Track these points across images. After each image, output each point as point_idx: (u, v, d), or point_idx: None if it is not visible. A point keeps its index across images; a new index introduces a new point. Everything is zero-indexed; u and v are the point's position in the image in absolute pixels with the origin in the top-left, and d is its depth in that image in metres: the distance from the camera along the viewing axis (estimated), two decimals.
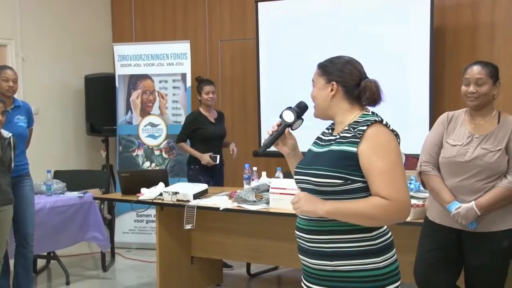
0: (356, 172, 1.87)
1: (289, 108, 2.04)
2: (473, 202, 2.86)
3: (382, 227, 1.95)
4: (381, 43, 4.79)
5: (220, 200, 4.17)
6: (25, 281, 4.38)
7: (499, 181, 2.86)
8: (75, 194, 4.88)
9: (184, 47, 5.94)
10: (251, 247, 4.31)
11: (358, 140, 1.87)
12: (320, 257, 1.91)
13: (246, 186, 4.26)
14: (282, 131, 2.05)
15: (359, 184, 1.88)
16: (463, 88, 2.94)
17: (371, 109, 2.04)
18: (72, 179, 5.23)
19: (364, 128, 1.88)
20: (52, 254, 5.05)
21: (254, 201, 3.93)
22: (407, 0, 5.09)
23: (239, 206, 3.95)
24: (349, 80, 1.97)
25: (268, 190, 3.92)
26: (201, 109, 5.17)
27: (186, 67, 5.93)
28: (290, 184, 3.82)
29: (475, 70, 2.91)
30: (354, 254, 1.89)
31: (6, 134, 4.08)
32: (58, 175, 5.15)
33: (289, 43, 5.57)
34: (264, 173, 4.29)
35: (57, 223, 4.75)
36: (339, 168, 1.87)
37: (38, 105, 5.19)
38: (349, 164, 1.87)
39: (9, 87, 4.22)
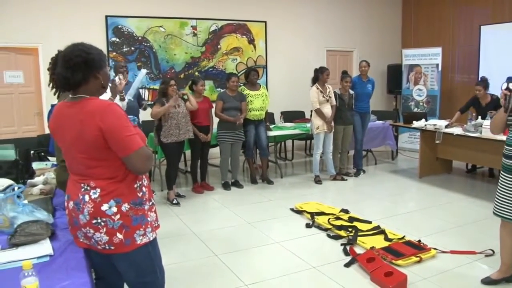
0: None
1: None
2: None
3: None
4: None
5: (455, 129, 4.64)
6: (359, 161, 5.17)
7: None
8: (380, 122, 6.01)
9: (438, 50, 6.61)
10: (468, 154, 4.74)
11: None
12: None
13: (469, 123, 4.64)
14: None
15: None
16: None
17: None
18: (380, 115, 6.32)
19: None
20: (370, 150, 6.19)
21: (473, 131, 4.40)
22: None
23: (465, 133, 4.45)
24: None
25: (481, 126, 4.34)
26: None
27: (438, 60, 6.60)
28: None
29: None
30: None
31: (351, 91, 4.93)
32: (374, 113, 5.99)
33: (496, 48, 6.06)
34: (479, 117, 4.70)
35: (372, 135, 5.60)
36: None
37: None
38: None
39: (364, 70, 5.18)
